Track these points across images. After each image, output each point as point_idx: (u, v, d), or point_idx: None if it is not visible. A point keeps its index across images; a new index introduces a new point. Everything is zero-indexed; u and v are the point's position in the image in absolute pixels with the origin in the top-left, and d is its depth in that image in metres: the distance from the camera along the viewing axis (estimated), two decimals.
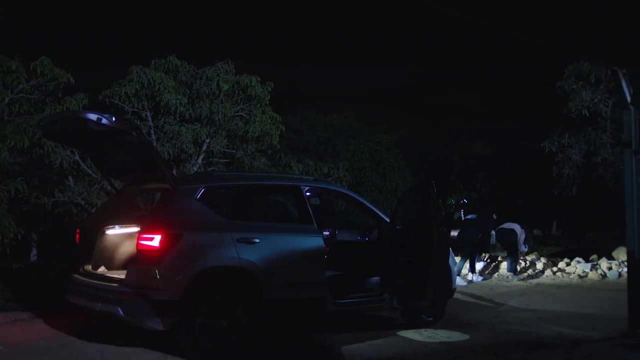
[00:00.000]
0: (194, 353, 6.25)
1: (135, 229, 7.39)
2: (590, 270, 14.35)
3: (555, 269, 14.73)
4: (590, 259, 15.68)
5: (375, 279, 8.20)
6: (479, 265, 14.04)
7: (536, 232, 26.69)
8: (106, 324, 7.28)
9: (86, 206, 10.95)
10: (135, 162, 7.08)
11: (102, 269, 7.42)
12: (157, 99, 11.93)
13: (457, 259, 12.98)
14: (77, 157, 11.02)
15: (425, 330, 7.92)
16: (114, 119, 6.26)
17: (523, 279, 13.50)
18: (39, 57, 10.64)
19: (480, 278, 13.27)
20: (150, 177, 7.22)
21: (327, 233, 8.35)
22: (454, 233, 14.39)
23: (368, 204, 8.31)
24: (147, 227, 6.39)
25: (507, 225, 14.02)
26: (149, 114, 12.31)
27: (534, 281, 13.40)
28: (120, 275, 6.68)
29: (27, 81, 10.70)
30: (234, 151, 12.92)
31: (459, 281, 12.78)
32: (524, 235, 14.13)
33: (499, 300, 10.61)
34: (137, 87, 11.87)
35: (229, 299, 6.52)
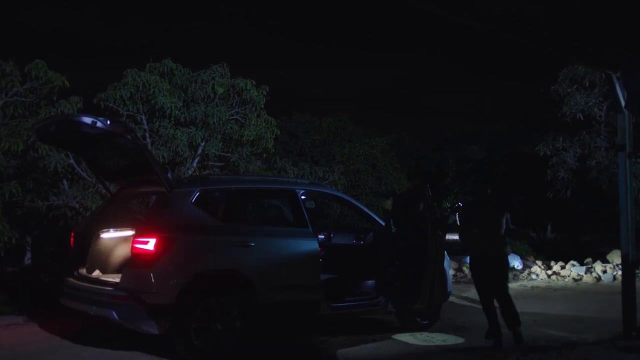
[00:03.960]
0: (189, 356, 6.24)
1: (130, 233, 7.39)
2: (585, 273, 14.38)
3: (550, 272, 14.76)
4: (585, 262, 15.72)
5: (371, 282, 8.20)
6: None
7: (531, 234, 26.74)
8: (101, 327, 7.26)
9: (81, 210, 10.91)
10: (130, 165, 7.07)
11: (96, 273, 7.40)
12: (152, 102, 11.92)
13: None
14: (71, 161, 10.99)
15: (421, 334, 7.91)
16: (108, 122, 6.26)
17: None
18: (34, 60, 10.63)
19: None
20: (145, 181, 7.21)
21: (323, 236, 8.35)
22: (454, 237, 14.28)
23: (363, 207, 8.31)
24: (142, 231, 6.37)
25: None
26: (143, 117, 12.30)
27: (529, 284, 13.41)
28: (115, 278, 6.66)
29: (21, 84, 10.67)
30: (229, 154, 12.91)
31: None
32: None
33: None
34: (132, 90, 11.86)
35: (224, 302, 6.50)
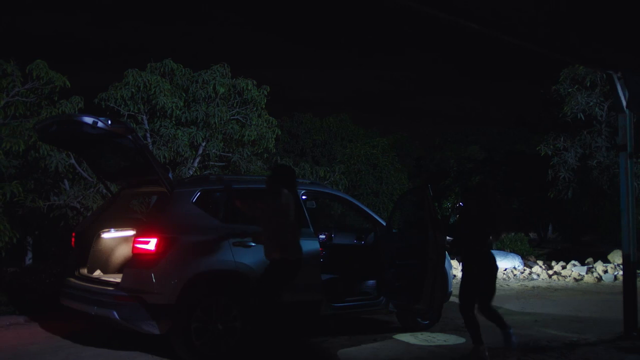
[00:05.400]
0: (189, 357, 6.23)
1: (131, 233, 7.39)
2: (586, 273, 14.38)
3: (551, 272, 14.77)
4: (586, 262, 15.72)
5: (372, 282, 8.19)
6: None
7: (532, 235, 26.76)
8: (102, 327, 7.26)
9: (82, 210, 10.93)
10: (131, 165, 7.07)
11: (97, 273, 7.40)
12: (153, 102, 11.93)
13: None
14: (72, 161, 11.00)
15: (422, 334, 7.91)
16: (109, 122, 6.25)
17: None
18: (35, 60, 10.64)
19: None
20: (146, 181, 7.21)
21: (323, 236, 8.35)
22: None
23: (364, 208, 8.30)
24: (143, 231, 6.37)
25: None
26: (144, 117, 12.31)
27: (530, 284, 13.41)
28: (116, 278, 6.65)
29: (22, 84, 10.68)
30: (230, 155, 12.92)
31: None
32: None
33: (494, 303, 10.57)
34: (133, 90, 11.87)
35: (224, 302, 6.50)
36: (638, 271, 9.74)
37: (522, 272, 14.63)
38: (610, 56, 7.68)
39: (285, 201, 6.12)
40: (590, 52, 7.76)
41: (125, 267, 6.68)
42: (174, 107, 11.96)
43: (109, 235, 7.66)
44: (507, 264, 15.06)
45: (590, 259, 16.00)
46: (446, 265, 8.28)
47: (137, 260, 6.29)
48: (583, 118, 16.87)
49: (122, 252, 7.56)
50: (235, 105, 12.89)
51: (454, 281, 12.81)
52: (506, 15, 6.23)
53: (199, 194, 6.76)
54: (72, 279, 7.18)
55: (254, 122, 12.74)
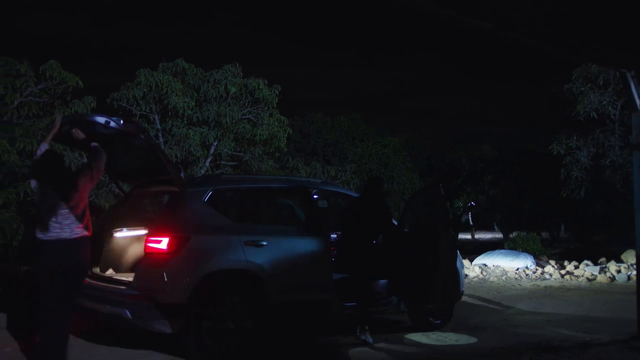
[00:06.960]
0: (200, 356, 6.25)
1: (143, 232, 7.40)
2: (599, 273, 14.29)
3: (563, 271, 14.69)
4: (599, 261, 15.62)
5: (383, 281, 8.18)
6: None
7: (544, 234, 26.63)
8: (114, 326, 7.29)
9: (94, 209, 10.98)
10: (143, 164, 7.09)
11: (110, 272, 7.43)
12: (165, 102, 11.98)
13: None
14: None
15: (433, 333, 7.89)
16: (122, 121, 6.28)
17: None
18: (48, 61, 10.70)
19: None
20: (158, 180, 7.23)
21: (335, 236, 8.34)
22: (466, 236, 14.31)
23: None
24: (155, 230, 6.39)
25: None
26: (156, 116, 12.36)
27: (542, 284, 13.35)
28: (128, 277, 6.67)
29: (35, 84, 10.74)
30: (242, 154, 12.95)
31: None
32: None
33: (506, 303, 10.57)
34: (144, 90, 11.93)
35: (235, 301, 6.51)
36: None
37: (534, 272, 14.56)
38: (623, 54, 7.62)
39: None
40: (590, 52, 7.70)
41: (137, 266, 6.71)
42: (185, 107, 12.00)
43: (121, 234, 7.69)
44: (519, 264, 14.99)
45: (603, 259, 15.90)
46: (457, 264, 8.26)
47: (149, 259, 6.31)
48: (596, 117, 16.78)
49: (134, 251, 7.58)
50: (246, 104, 12.92)
51: (466, 280, 12.79)
52: (506, 15, 6.18)
53: (210, 193, 6.78)
54: None
55: (265, 122, 12.76)
